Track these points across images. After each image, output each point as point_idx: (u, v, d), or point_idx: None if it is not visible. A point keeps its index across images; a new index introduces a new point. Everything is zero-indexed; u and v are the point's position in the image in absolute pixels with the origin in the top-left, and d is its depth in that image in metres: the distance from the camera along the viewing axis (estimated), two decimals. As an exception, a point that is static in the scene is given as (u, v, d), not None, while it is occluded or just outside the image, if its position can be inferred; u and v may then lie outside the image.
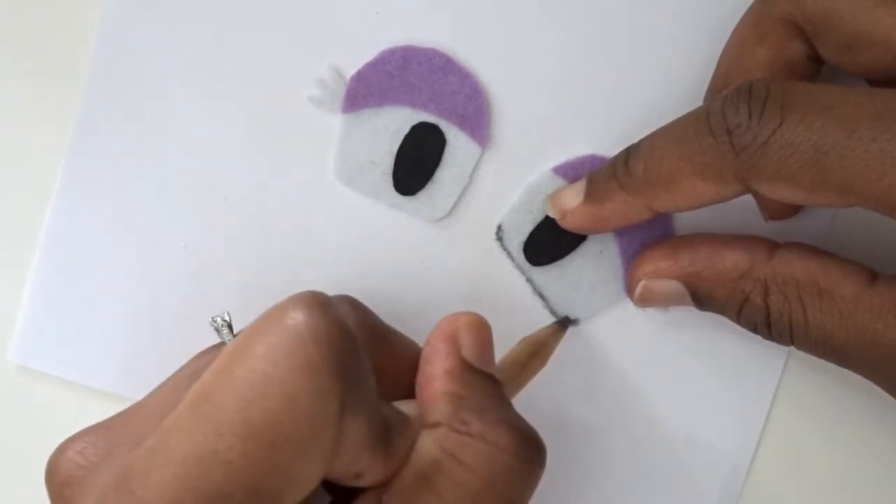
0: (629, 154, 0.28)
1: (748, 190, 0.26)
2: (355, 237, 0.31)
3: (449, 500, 0.23)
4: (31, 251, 0.31)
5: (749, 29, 0.29)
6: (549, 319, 0.31)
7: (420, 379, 0.26)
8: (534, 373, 0.29)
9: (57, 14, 0.31)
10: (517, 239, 0.31)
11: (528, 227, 0.31)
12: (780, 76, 0.28)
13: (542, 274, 0.31)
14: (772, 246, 0.28)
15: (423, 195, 0.31)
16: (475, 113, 0.31)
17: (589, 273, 0.31)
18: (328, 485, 0.24)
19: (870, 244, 0.31)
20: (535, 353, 0.29)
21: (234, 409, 0.20)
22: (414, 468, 0.23)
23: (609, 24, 0.31)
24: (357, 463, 0.22)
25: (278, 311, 0.22)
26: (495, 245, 0.31)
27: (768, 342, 0.28)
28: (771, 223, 0.31)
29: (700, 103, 0.30)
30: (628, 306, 0.31)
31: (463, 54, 0.31)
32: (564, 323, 0.31)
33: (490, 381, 0.26)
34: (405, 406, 0.25)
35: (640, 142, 0.28)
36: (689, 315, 0.31)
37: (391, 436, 0.23)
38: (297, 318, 0.21)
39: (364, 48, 0.31)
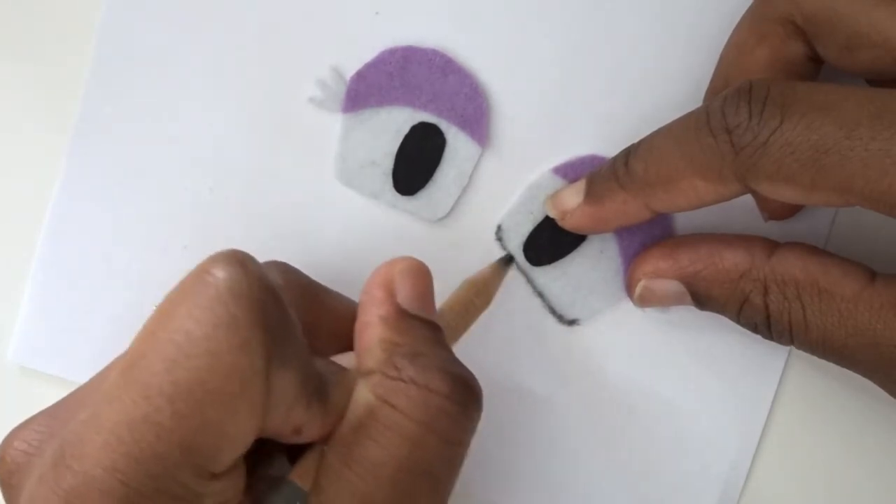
0: (629, 154, 0.28)
1: (748, 190, 0.26)
2: (355, 237, 0.31)
3: (387, 446, 0.23)
4: (31, 251, 0.31)
5: (749, 29, 0.29)
6: (550, 319, 0.31)
7: (356, 328, 0.26)
8: (477, 314, 0.29)
9: (57, 14, 0.31)
10: (517, 239, 0.31)
11: (528, 228, 0.31)
12: (779, 76, 0.28)
13: (542, 274, 0.31)
14: (771, 246, 0.28)
15: (423, 195, 0.31)
16: (475, 113, 0.31)
17: (589, 273, 0.31)
18: (278, 447, 0.24)
19: (870, 244, 0.31)
20: (479, 292, 0.29)
21: (160, 370, 0.21)
22: (351, 417, 0.23)
23: (609, 25, 0.31)
24: (292, 417, 0.22)
25: (198, 270, 0.22)
26: (495, 245, 0.31)
27: (769, 342, 0.28)
28: (771, 223, 0.31)
29: (700, 103, 0.30)
30: (628, 306, 0.31)
31: (463, 54, 0.31)
32: (507, 259, 0.30)
33: (427, 327, 0.25)
34: (345, 358, 0.25)
35: (640, 142, 0.28)
36: (689, 315, 0.31)
37: (326, 388, 0.23)
38: (218, 275, 0.21)
39: (364, 48, 0.31)
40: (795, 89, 0.25)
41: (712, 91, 0.30)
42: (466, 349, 0.31)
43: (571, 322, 0.32)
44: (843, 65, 0.27)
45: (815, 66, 0.28)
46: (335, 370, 0.24)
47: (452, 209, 0.31)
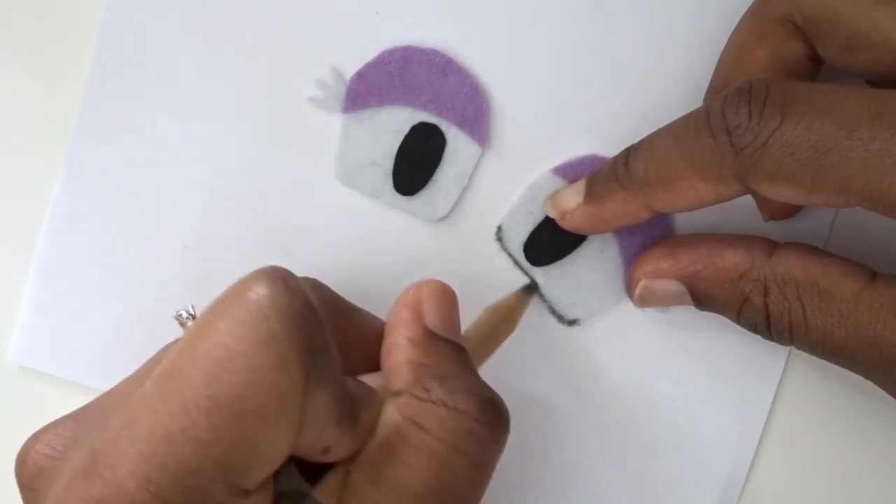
0: (629, 154, 0.28)
1: (748, 190, 0.26)
2: (355, 237, 0.31)
3: (415, 468, 0.23)
4: (31, 251, 0.31)
5: (749, 29, 0.29)
6: (550, 319, 0.31)
7: (384, 349, 0.26)
8: (502, 339, 0.29)
9: (57, 14, 0.31)
10: (517, 239, 0.31)
11: (528, 228, 0.31)
12: (779, 76, 0.28)
13: (542, 274, 0.31)
14: (771, 246, 0.28)
15: (423, 195, 0.31)
16: (475, 113, 0.31)
17: (589, 273, 0.31)
18: (301, 464, 0.24)
19: (870, 244, 0.31)
20: (503, 318, 0.29)
21: (199, 384, 0.20)
22: (379, 438, 0.23)
23: (609, 25, 0.31)
24: (324, 437, 0.22)
25: (240, 286, 0.22)
26: (495, 245, 0.31)
27: (769, 342, 0.28)
28: (771, 223, 0.31)
29: (700, 103, 0.30)
30: (628, 306, 0.31)
31: (463, 54, 0.31)
32: (531, 288, 0.31)
33: (454, 349, 0.26)
34: (371, 379, 0.25)
35: (640, 142, 0.28)
36: (689, 315, 0.31)
37: (357, 409, 0.23)
38: (259, 292, 0.21)
39: (364, 48, 0.31)
40: (795, 89, 0.25)
41: (712, 91, 0.30)
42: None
43: (571, 322, 0.32)
44: (843, 65, 0.27)
45: (815, 67, 0.28)
46: (364, 390, 0.24)
47: (452, 209, 0.31)
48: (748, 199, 0.30)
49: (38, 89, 0.32)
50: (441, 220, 0.31)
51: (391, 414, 0.24)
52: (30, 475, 0.23)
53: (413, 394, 0.24)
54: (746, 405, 0.32)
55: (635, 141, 0.28)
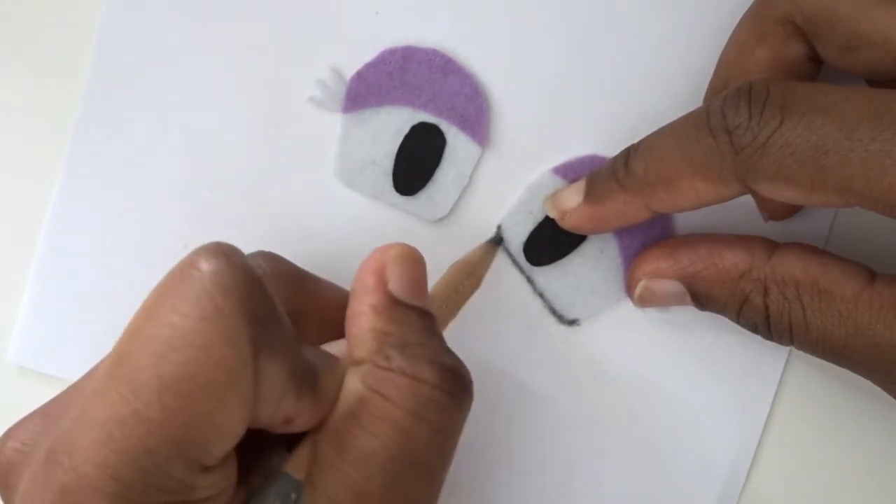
0: (629, 154, 0.28)
1: (748, 190, 0.26)
2: (355, 237, 0.31)
3: (378, 436, 0.23)
4: (31, 251, 0.31)
5: (749, 29, 0.29)
6: (550, 319, 0.31)
7: (348, 316, 0.25)
8: (467, 295, 0.29)
9: (57, 14, 0.31)
10: (517, 239, 0.31)
11: (528, 228, 0.31)
12: (779, 76, 0.28)
13: (542, 274, 0.31)
14: (771, 246, 0.28)
15: (423, 195, 0.31)
16: (475, 113, 0.31)
17: (589, 273, 0.31)
18: (269, 438, 0.24)
19: (870, 244, 0.31)
20: (469, 274, 0.29)
21: (148, 365, 0.21)
22: (342, 407, 0.23)
23: (609, 25, 0.31)
24: (283, 408, 0.22)
25: (183, 264, 0.22)
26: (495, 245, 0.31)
27: (769, 342, 0.28)
28: (771, 223, 0.31)
29: (700, 103, 0.30)
30: (628, 306, 0.31)
31: (463, 54, 0.31)
32: (496, 241, 0.31)
33: (419, 315, 0.25)
34: (336, 347, 0.25)
35: (640, 142, 0.28)
36: (689, 315, 0.31)
37: (316, 378, 0.23)
38: (202, 268, 0.21)
39: (364, 48, 0.31)
40: (795, 90, 0.25)
41: (712, 91, 0.30)
42: (466, 349, 0.31)
43: (571, 322, 0.32)
44: (843, 65, 0.27)
45: (815, 67, 0.28)
46: (325, 359, 0.24)
47: (452, 209, 0.31)
48: (748, 199, 0.30)
49: (38, 89, 0.32)
50: (441, 220, 0.31)
51: (354, 383, 0.24)
52: (3, 471, 0.23)
53: (375, 363, 0.24)
54: (746, 405, 0.32)
55: (635, 141, 0.28)
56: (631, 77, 0.31)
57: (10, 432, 0.24)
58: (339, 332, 0.26)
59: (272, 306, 0.22)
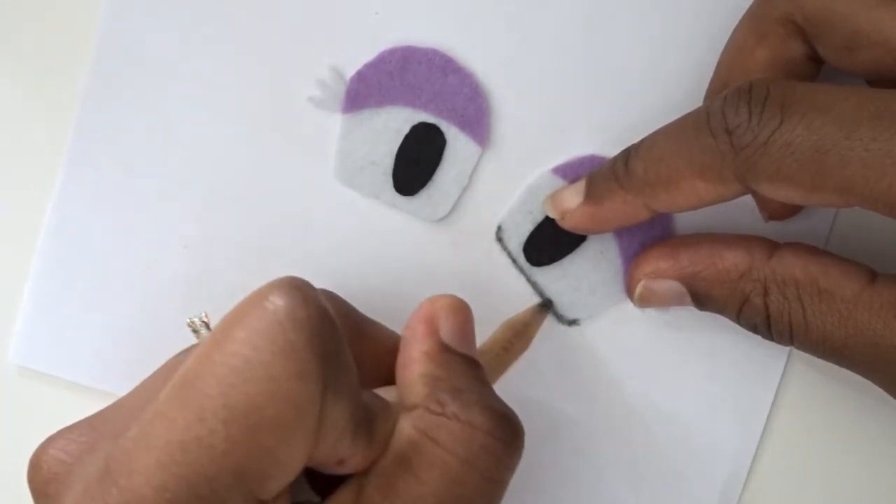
0: (629, 154, 0.28)
1: (748, 190, 0.26)
2: (355, 237, 0.31)
3: (428, 482, 0.23)
4: (31, 251, 0.31)
5: (749, 29, 0.29)
6: (550, 319, 0.31)
7: (399, 362, 0.26)
8: (517, 355, 0.29)
9: (57, 14, 0.31)
10: (517, 239, 0.31)
11: (528, 228, 0.31)
12: (779, 76, 0.28)
13: (542, 274, 0.31)
14: (771, 246, 0.28)
15: (423, 195, 0.31)
16: (475, 113, 0.31)
17: (589, 273, 0.31)
18: (312, 476, 0.24)
19: (870, 244, 0.31)
20: (518, 334, 0.29)
21: (216, 393, 0.20)
22: (393, 451, 0.23)
23: (609, 25, 0.31)
24: (339, 448, 0.22)
25: (258, 296, 0.22)
26: (495, 245, 0.31)
27: (769, 343, 0.28)
28: (771, 223, 0.31)
29: (700, 103, 0.30)
30: (628, 306, 0.31)
31: (463, 54, 0.31)
32: (546, 305, 0.31)
33: (468, 363, 0.26)
34: (386, 392, 0.25)
35: (640, 142, 0.28)
36: (689, 315, 0.31)
37: (372, 421, 0.23)
38: (277, 302, 0.21)
39: (364, 48, 0.31)
40: (795, 90, 0.25)
41: (712, 91, 0.30)
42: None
43: (571, 322, 0.32)
44: (843, 65, 0.27)
45: (815, 66, 0.28)
46: (379, 403, 0.24)
47: (452, 209, 0.31)
48: (748, 199, 0.30)
49: (38, 89, 0.32)
50: (441, 220, 0.31)
51: (405, 427, 0.24)
52: (44, 479, 0.23)
53: (427, 407, 0.24)
54: (746, 405, 0.32)
55: (635, 141, 0.28)
56: (631, 77, 0.31)
57: (53, 440, 0.24)
58: (389, 378, 0.26)
59: (341, 345, 0.22)
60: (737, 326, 0.29)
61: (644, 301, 0.30)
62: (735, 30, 0.29)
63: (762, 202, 0.30)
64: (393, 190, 0.31)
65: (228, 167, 0.31)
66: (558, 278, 0.31)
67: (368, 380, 0.26)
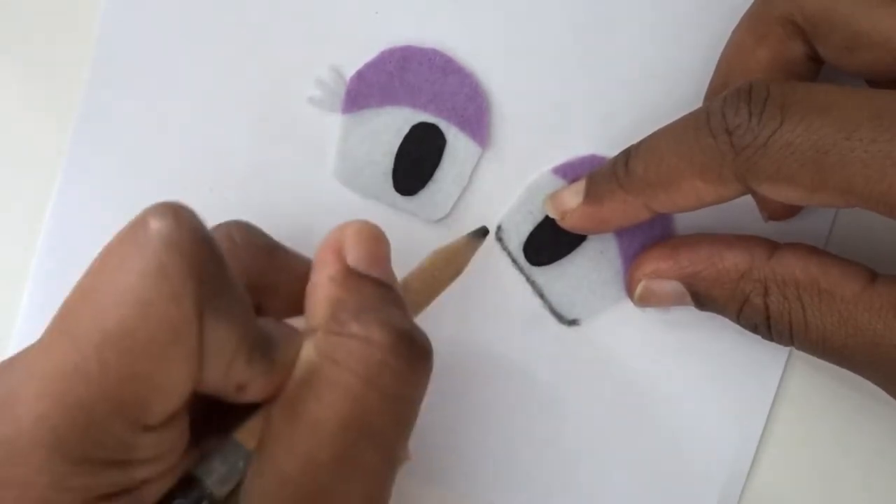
0: (629, 154, 0.28)
1: (748, 190, 0.26)
2: (355, 237, 0.31)
3: (329, 403, 0.22)
4: (31, 251, 0.31)
5: (749, 29, 0.29)
6: (550, 319, 0.31)
7: (307, 290, 0.25)
8: (445, 283, 0.28)
9: (57, 14, 0.31)
10: (517, 239, 0.31)
11: (528, 228, 0.31)
12: (779, 76, 0.28)
13: (542, 274, 0.31)
14: (772, 246, 0.28)
15: (423, 195, 0.31)
16: (475, 113, 0.31)
17: (589, 273, 0.31)
18: (227, 409, 0.24)
19: (870, 245, 0.31)
20: (448, 261, 0.28)
21: (90, 319, 0.20)
22: (296, 376, 0.23)
23: (609, 25, 0.31)
24: (234, 373, 0.22)
25: (133, 222, 0.21)
26: (495, 245, 0.31)
27: (769, 342, 0.28)
28: (771, 223, 0.31)
29: (700, 103, 0.30)
30: (628, 306, 0.31)
31: (463, 54, 0.31)
32: (481, 232, 0.30)
33: (376, 285, 0.25)
34: (299, 321, 0.25)
35: (640, 142, 0.28)
36: (689, 315, 0.31)
37: (271, 346, 0.23)
38: (151, 225, 0.21)
39: (364, 48, 0.31)
40: (795, 90, 0.25)
41: (712, 91, 0.30)
42: (465, 349, 0.31)
43: (571, 322, 0.32)
44: (843, 65, 0.27)
45: (815, 67, 0.28)
46: (284, 330, 0.24)
47: (452, 209, 0.31)
48: (748, 199, 0.30)
49: (38, 89, 0.31)
50: (441, 220, 0.31)
51: (308, 351, 0.23)
52: None
53: (328, 329, 0.23)
54: (746, 405, 0.32)
55: (635, 141, 0.28)
56: (631, 77, 0.31)
57: None
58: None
59: (221, 268, 0.22)
60: (737, 326, 0.29)
61: (644, 301, 0.30)
62: (735, 30, 0.29)
63: (762, 202, 0.30)
64: (393, 190, 0.31)
65: (229, 167, 0.31)
66: (558, 278, 0.31)
67: (285, 309, 0.25)
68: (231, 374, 0.22)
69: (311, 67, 0.31)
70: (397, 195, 0.31)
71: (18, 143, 0.32)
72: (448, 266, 0.28)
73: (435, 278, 0.28)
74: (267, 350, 0.23)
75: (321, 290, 0.25)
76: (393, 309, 0.24)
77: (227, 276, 0.22)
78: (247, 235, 0.26)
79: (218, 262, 0.22)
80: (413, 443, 0.31)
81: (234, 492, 0.23)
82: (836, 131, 0.24)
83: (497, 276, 0.31)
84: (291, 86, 0.31)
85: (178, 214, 0.21)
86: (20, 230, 0.31)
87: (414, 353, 0.23)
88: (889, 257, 0.31)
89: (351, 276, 0.25)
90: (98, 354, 0.20)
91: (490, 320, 0.31)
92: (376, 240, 0.26)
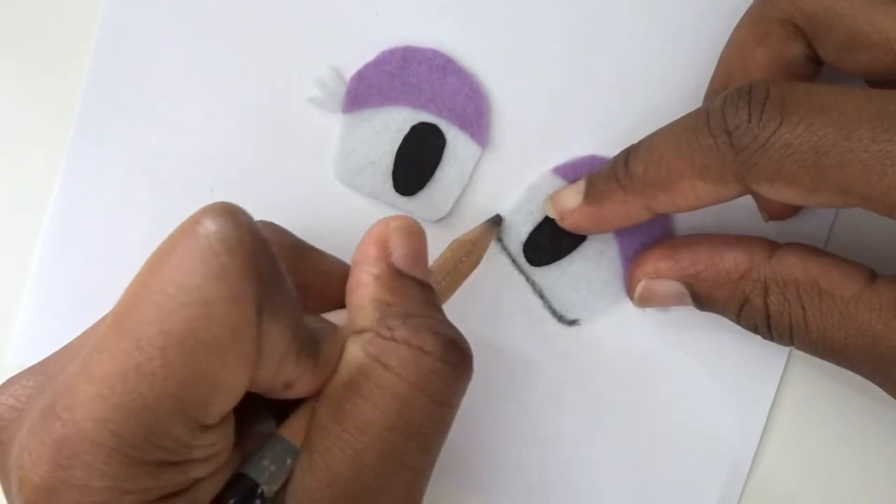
0: (629, 155, 0.28)
1: (748, 190, 0.26)
2: (355, 237, 0.31)
3: (377, 404, 0.23)
4: (31, 251, 0.31)
5: (749, 30, 0.29)
6: (550, 319, 0.31)
7: (349, 285, 0.26)
8: (465, 274, 0.29)
9: (57, 14, 0.31)
10: (517, 239, 0.31)
11: (528, 228, 0.31)
12: (779, 77, 0.28)
13: (542, 274, 0.31)
14: (772, 246, 0.28)
15: (423, 195, 0.31)
16: (475, 113, 0.31)
17: (589, 273, 0.31)
18: (269, 405, 0.24)
19: (870, 245, 0.31)
20: (468, 252, 0.29)
21: (152, 321, 0.21)
22: (343, 375, 0.24)
23: (609, 25, 0.31)
24: (284, 371, 0.22)
25: (190, 222, 0.22)
26: (495, 245, 0.31)
27: (769, 342, 0.28)
28: (771, 223, 0.31)
29: (700, 103, 0.30)
30: (628, 306, 0.31)
31: (463, 54, 0.31)
32: (496, 220, 0.31)
33: (420, 287, 0.25)
34: (336, 316, 0.25)
35: (640, 142, 0.28)
36: (689, 315, 0.31)
37: (317, 344, 0.23)
38: (208, 226, 0.21)
39: (364, 48, 0.31)
40: (795, 90, 0.25)
41: (712, 91, 0.30)
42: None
43: (571, 322, 0.32)
44: (843, 65, 0.27)
45: (815, 67, 0.28)
46: (326, 327, 0.24)
47: (452, 209, 0.31)
48: (748, 199, 0.30)
49: (38, 89, 0.32)
50: (441, 220, 0.31)
51: (355, 351, 0.24)
52: None
53: (377, 332, 0.24)
54: (747, 405, 0.32)
55: (635, 141, 0.28)
56: (631, 77, 0.31)
57: (2, 388, 0.24)
58: (339, 305, 0.26)
59: (276, 268, 0.22)
60: (737, 326, 0.29)
61: (644, 301, 0.30)
62: (735, 30, 0.29)
63: (762, 202, 0.30)
64: (393, 190, 0.31)
65: (229, 167, 0.31)
66: (558, 278, 0.31)
67: (317, 308, 0.26)
68: (281, 371, 0.22)
69: (311, 67, 0.31)
70: (397, 195, 0.31)
71: (19, 143, 0.32)
72: (468, 256, 0.29)
73: (457, 270, 0.28)
74: (314, 347, 0.23)
75: (366, 289, 0.25)
76: (437, 314, 0.25)
77: (282, 276, 0.22)
78: (277, 234, 0.26)
79: (273, 262, 0.22)
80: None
81: (281, 488, 0.23)
82: (836, 132, 0.24)
83: (497, 276, 0.31)
84: (291, 86, 0.31)
85: (235, 215, 0.22)
86: (20, 230, 0.31)
87: (460, 360, 0.24)
88: (889, 257, 0.31)
89: (396, 276, 0.25)
90: (162, 356, 0.20)
91: (490, 320, 0.31)
92: (420, 238, 0.26)
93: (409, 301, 0.25)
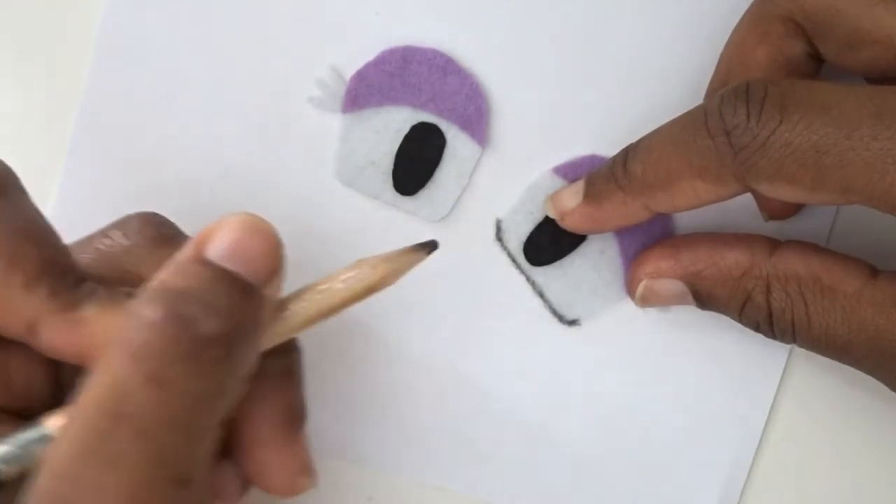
0: (628, 155, 0.28)
1: (748, 189, 0.26)
2: (355, 237, 0.31)
3: (92, 384, 0.20)
4: (31, 251, 0.31)
5: (749, 28, 0.29)
6: (550, 319, 0.31)
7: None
8: (353, 294, 0.25)
9: (57, 14, 0.31)
10: (517, 239, 0.31)
11: (528, 227, 0.31)
12: (780, 75, 0.28)
13: (542, 274, 0.31)
14: (773, 244, 0.28)
15: (423, 195, 0.31)
16: (475, 113, 0.31)
17: (589, 273, 0.31)
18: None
19: (871, 242, 0.31)
20: (367, 271, 0.24)
21: None
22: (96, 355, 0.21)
23: (609, 24, 0.31)
24: (22, 303, 0.21)
25: None
26: (495, 245, 0.31)
27: (770, 341, 0.28)
28: (771, 222, 0.31)
29: (700, 103, 0.30)
30: (629, 306, 0.31)
31: (463, 54, 0.31)
32: (426, 246, 0.24)
33: (226, 279, 0.22)
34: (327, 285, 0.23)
35: (639, 142, 0.28)
36: (690, 315, 0.31)
37: (82, 295, 0.21)
38: None
39: (364, 48, 0.31)
40: (794, 88, 0.25)
41: (712, 91, 0.30)
42: (466, 349, 0.31)
43: (572, 322, 0.32)
44: (843, 63, 0.27)
45: (815, 65, 0.28)
46: (111, 290, 0.22)
47: (452, 209, 0.31)
48: (748, 199, 0.30)
49: (38, 89, 0.31)
50: (441, 220, 0.31)
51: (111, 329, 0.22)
52: None
53: (131, 310, 0.21)
54: (747, 404, 0.32)
55: (635, 141, 0.28)
56: (631, 77, 0.31)
57: None
58: None
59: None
60: (738, 325, 0.29)
61: (645, 301, 0.30)
62: (736, 28, 0.29)
63: (762, 201, 0.30)
64: (393, 190, 0.31)
65: (228, 167, 0.31)
66: (558, 278, 0.31)
67: None
68: (18, 302, 0.21)
69: (311, 67, 0.31)
70: (397, 195, 0.31)
71: (18, 143, 0.31)
72: (362, 277, 0.25)
73: (336, 289, 0.25)
74: (71, 292, 0.21)
75: (161, 272, 0.22)
76: (212, 295, 0.21)
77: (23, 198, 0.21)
78: (145, 229, 0.25)
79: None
80: (413, 442, 0.31)
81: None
82: (836, 130, 0.24)
83: (497, 276, 0.31)
84: (291, 86, 0.31)
85: None
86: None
87: (191, 341, 0.20)
88: (891, 254, 0.31)
89: (197, 263, 0.22)
90: None
91: (490, 320, 0.31)
92: (251, 234, 0.23)
93: (190, 281, 0.21)
